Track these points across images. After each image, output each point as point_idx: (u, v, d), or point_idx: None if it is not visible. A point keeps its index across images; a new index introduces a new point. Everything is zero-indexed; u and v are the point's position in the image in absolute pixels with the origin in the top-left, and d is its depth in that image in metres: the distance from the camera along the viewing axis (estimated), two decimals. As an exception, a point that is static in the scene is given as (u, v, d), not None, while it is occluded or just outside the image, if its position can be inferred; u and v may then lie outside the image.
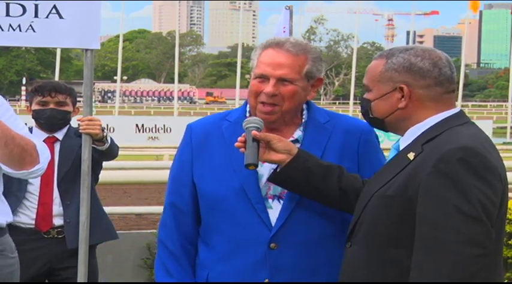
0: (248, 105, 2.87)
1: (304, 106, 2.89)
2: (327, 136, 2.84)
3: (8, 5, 3.78)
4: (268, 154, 2.72)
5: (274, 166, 2.79)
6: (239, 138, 2.72)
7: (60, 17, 3.86)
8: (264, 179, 2.80)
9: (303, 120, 2.87)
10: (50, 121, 4.42)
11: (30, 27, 3.82)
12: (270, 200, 2.80)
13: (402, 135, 2.56)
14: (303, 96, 2.81)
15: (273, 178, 2.76)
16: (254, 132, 2.69)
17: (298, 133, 2.85)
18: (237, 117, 2.89)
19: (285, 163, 2.72)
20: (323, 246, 2.80)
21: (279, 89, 2.75)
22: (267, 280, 2.78)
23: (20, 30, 3.81)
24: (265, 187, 2.80)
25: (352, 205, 2.71)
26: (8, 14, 3.79)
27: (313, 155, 2.77)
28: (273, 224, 2.77)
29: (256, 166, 2.68)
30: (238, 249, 2.80)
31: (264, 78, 2.76)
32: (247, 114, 2.87)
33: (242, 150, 2.70)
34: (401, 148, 2.53)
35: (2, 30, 3.80)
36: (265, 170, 2.79)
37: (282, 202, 2.79)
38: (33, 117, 4.47)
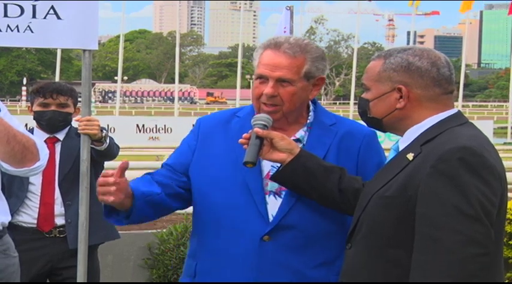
0: None
1: (312, 107, 2.91)
2: (332, 138, 2.86)
3: (5, 6, 3.79)
4: (271, 153, 2.75)
5: (273, 163, 2.81)
6: (244, 135, 2.76)
7: (58, 17, 3.86)
8: (263, 174, 2.83)
9: (308, 121, 2.89)
10: (51, 123, 4.42)
11: (28, 28, 3.83)
12: (266, 195, 2.82)
13: (401, 135, 2.56)
14: (303, 96, 2.82)
15: (274, 177, 2.78)
16: (256, 129, 2.72)
17: (300, 133, 2.87)
18: (247, 113, 2.93)
19: (286, 162, 2.73)
20: (316, 247, 2.82)
21: (278, 90, 2.77)
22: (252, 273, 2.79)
23: (18, 31, 3.82)
24: (263, 183, 2.82)
25: (352, 207, 2.71)
26: (6, 15, 3.79)
27: (315, 155, 2.78)
28: (270, 218, 2.79)
29: (254, 164, 2.70)
30: (230, 240, 2.82)
31: (263, 78, 2.79)
32: (256, 112, 2.89)
33: (245, 146, 2.72)
34: (400, 149, 2.53)
35: (0, 31, 3.80)
36: (264, 166, 2.82)
37: (277, 198, 2.81)
38: (34, 118, 4.47)
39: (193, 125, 3.07)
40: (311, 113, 2.90)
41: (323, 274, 2.84)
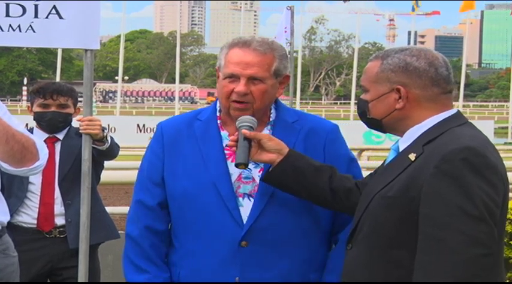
0: (219, 104, 2.88)
1: (273, 105, 2.90)
2: (295, 135, 2.86)
3: (7, 6, 3.78)
4: (259, 154, 2.75)
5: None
6: (231, 137, 2.75)
7: (60, 17, 3.86)
8: (234, 177, 2.82)
9: (271, 119, 2.89)
10: (51, 123, 4.42)
11: (30, 28, 3.82)
12: (240, 198, 2.81)
13: (400, 136, 2.56)
14: (272, 94, 2.83)
15: (264, 178, 2.77)
16: (244, 130, 2.71)
17: (265, 132, 2.85)
18: (208, 115, 2.90)
19: (275, 163, 2.73)
20: (295, 245, 2.82)
21: (250, 88, 2.76)
22: (237, 278, 2.79)
23: (20, 31, 3.81)
24: (235, 185, 2.81)
25: (345, 206, 2.72)
26: (8, 15, 3.78)
27: (305, 155, 2.79)
28: (244, 222, 2.78)
29: (247, 165, 2.70)
30: (209, 246, 2.81)
31: (234, 77, 2.78)
32: (218, 113, 2.89)
33: (234, 149, 2.72)
34: (400, 150, 2.53)
35: (2, 30, 3.79)
36: (235, 169, 2.79)
37: (252, 200, 2.80)
38: (34, 119, 4.46)
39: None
40: (273, 111, 2.90)
41: (305, 271, 2.85)
